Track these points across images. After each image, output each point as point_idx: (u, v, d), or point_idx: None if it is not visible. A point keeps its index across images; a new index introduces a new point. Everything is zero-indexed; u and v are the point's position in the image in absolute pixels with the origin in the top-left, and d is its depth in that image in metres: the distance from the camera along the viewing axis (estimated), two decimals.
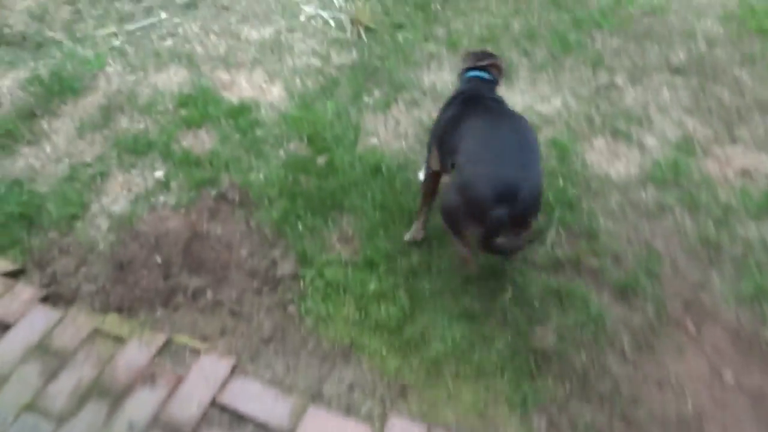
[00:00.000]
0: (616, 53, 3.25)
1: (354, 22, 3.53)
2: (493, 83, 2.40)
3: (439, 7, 3.64)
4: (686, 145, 2.83)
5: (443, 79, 3.20)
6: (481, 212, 1.86)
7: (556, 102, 3.06)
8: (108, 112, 3.03)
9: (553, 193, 2.65)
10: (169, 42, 3.48)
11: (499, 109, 2.25)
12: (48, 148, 2.90)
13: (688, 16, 3.45)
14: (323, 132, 2.95)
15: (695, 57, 3.18)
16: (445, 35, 3.45)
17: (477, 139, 2.05)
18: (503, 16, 3.52)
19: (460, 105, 2.27)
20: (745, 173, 2.75)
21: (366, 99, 3.14)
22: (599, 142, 2.88)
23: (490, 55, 2.45)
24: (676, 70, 3.14)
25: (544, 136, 2.90)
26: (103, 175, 2.77)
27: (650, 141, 2.86)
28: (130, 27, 3.55)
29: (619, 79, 3.15)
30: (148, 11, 3.73)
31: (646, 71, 3.17)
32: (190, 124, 2.97)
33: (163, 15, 3.67)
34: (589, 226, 2.55)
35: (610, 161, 2.80)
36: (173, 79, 3.24)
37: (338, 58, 3.37)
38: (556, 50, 3.30)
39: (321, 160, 2.84)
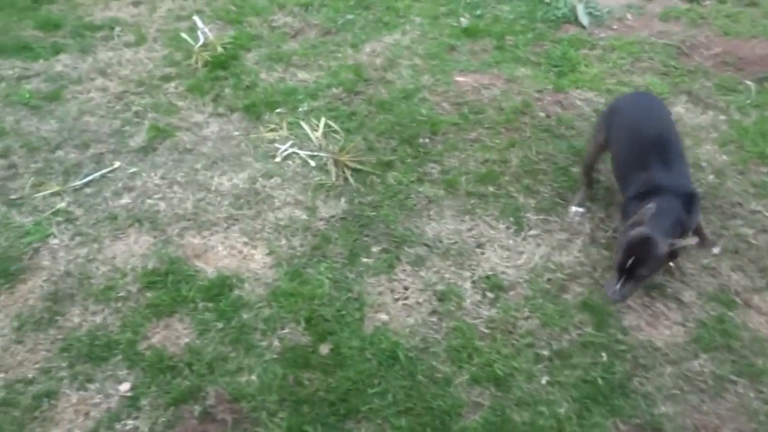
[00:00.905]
0: None
1: (337, 162, 3.20)
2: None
3: (427, 140, 3.38)
4: (725, 297, 2.59)
5: (447, 228, 2.87)
6: None
7: (574, 250, 2.78)
8: (54, 303, 2.48)
9: (599, 372, 2.31)
10: (125, 199, 3.00)
11: None
12: None
13: (686, 141, 3.34)
14: (322, 309, 2.51)
15: (708, 191, 3.03)
16: (440, 174, 3.16)
17: None
18: (498, 150, 3.29)
19: None
20: None
21: (364, 259, 2.75)
22: (632, 301, 2.59)
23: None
24: None
25: (572, 296, 2.60)
26: (51, 395, 2.19)
27: (687, 295, 2.60)
28: (77, 182, 3.05)
29: None
30: (98, 159, 3.24)
31: None
32: (160, 311, 2.46)
33: (117, 164, 3.20)
34: (650, 416, 2.19)
35: (651, 323, 2.50)
36: (134, 249, 2.74)
37: (326, 208, 2.99)
38: (561, 187, 3.07)
39: (324, 349, 2.39)
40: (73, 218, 2.87)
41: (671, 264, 2.59)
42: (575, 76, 3.85)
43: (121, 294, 2.52)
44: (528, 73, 3.88)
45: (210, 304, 2.50)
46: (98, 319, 2.43)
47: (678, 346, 2.43)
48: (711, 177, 3.09)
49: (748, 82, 3.79)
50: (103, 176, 3.12)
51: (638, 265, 2.26)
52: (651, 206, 2.30)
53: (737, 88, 3.75)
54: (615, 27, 4.42)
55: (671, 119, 2.80)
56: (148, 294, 2.52)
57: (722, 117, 3.54)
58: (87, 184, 3.07)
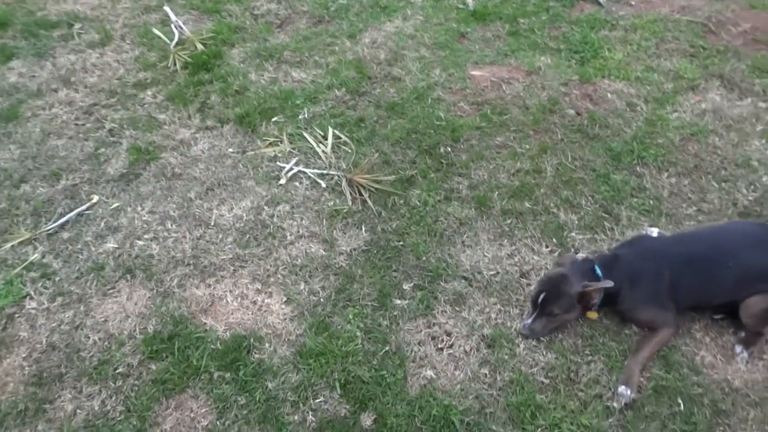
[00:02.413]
0: (673, 196, 2.77)
1: (351, 182, 2.81)
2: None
3: (449, 149, 3.00)
4: None
5: (485, 257, 2.54)
6: None
7: None
8: (39, 388, 2.08)
9: (679, 425, 2.05)
10: (110, 243, 2.57)
11: None
12: None
13: (731, 136, 3.06)
14: (358, 369, 2.18)
15: (763, 194, 2.75)
16: (469, 190, 2.81)
17: None
18: (530, 157, 2.94)
19: None
20: None
21: (397, 300, 2.41)
22: (699, 331, 2.33)
23: None
24: (748, 214, 2.70)
25: (635, 330, 2.32)
26: None
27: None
28: (51, 226, 2.61)
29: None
30: (72, 193, 2.79)
31: (713, 216, 2.70)
32: (169, 388, 2.09)
33: (95, 197, 2.75)
34: None
35: (725, 359, 2.25)
36: (129, 307, 2.34)
37: (345, 239, 2.62)
38: (604, 198, 2.76)
39: (367, 419, 2.06)
40: (50, 273, 2.44)
41: (594, 316, 2.32)
42: (599, 63, 3.50)
43: (119, 369, 2.13)
44: (549, 62, 3.51)
45: (227, 374, 2.14)
46: (95, 403, 2.05)
47: (758, 384, 2.17)
48: (765, 178, 2.81)
49: None
50: (80, 215, 2.68)
51: (549, 301, 2.22)
52: (571, 254, 2.44)
53: None
54: (633, 3, 4.05)
55: None
56: (153, 366, 2.14)
57: (761, 104, 3.24)
58: (63, 227, 2.63)
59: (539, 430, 2.05)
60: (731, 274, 2.20)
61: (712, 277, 2.22)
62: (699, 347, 2.28)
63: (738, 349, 2.27)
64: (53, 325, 2.27)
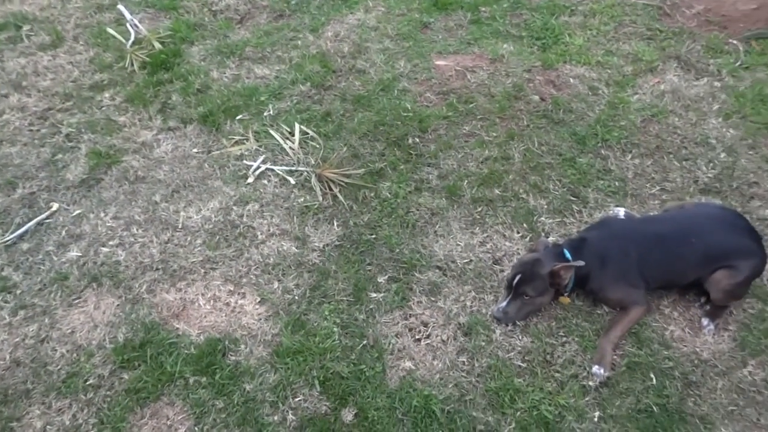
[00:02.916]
0: (637, 176, 2.82)
1: (321, 177, 2.78)
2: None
3: (417, 139, 3.00)
4: (762, 291, 2.43)
5: (458, 245, 2.55)
6: None
7: None
8: (5, 406, 2.00)
9: (652, 398, 2.11)
10: (74, 251, 2.48)
11: None
12: None
13: (689, 116, 3.13)
14: (336, 365, 2.16)
15: (722, 171, 2.83)
16: (439, 180, 2.81)
17: None
18: (497, 144, 2.96)
19: None
20: None
21: (372, 294, 2.40)
22: (667, 307, 2.39)
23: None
24: (708, 191, 2.78)
25: (606, 309, 2.37)
26: None
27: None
28: (9, 237, 2.50)
29: (654, 213, 2.71)
30: (30, 202, 2.68)
31: (676, 195, 2.77)
32: (143, 397, 2.04)
33: (54, 205, 2.65)
34: None
35: (692, 332, 2.31)
36: (97, 317, 2.27)
37: (317, 235, 2.59)
38: (571, 181, 2.80)
39: (348, 415, 2.05)
40: (11, 286, 2.34)
41: (567, 302, 2.35)
42: (561, 49, 3.54)
43: (90, 381, 2.07)
44: (511, 49, 3.53)
45: (203, 379, 2.09)
46: (66, 418, 1.98)
47: (724, 355, 2.25)
48: (723, 155, 2.90)
49: (735, 42, 3.61)
50: (40, 224, 2.58)
51: (523, 283, 2.24)
52: (544, 239, 2.45)
53: (724, 49, 3.55)
54: None
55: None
56: (125, 376, 2.08)
57: (717, 83, 3.34)
58: (21, 237, 2.53)
59: (518, 413, 2.07)
60: (694, 252, 2.27)
61: (677, 256, 2.28)
62: (668, 322, 2.35)
63: (705, 321, 2.34)
64: (17, 339, 2.18)
